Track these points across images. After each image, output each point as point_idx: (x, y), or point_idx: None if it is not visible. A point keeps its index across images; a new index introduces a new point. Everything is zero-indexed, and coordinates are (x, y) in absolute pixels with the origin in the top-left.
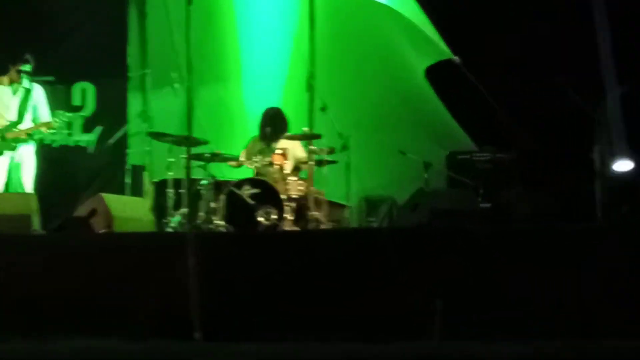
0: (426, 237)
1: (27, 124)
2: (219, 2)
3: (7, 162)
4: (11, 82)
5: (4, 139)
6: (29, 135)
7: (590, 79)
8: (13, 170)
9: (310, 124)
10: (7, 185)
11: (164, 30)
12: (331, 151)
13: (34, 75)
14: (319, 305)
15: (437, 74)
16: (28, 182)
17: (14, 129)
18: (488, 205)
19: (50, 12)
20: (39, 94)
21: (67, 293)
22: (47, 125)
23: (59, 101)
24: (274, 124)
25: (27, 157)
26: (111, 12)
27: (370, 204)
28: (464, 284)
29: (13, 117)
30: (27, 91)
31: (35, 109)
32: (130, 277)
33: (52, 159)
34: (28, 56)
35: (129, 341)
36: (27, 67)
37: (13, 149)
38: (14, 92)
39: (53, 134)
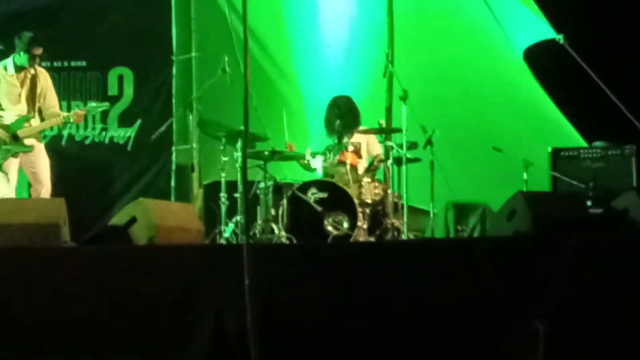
0: (526, 249)
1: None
2: None
3: (17, 164)
4: (16, 69)
5: (16, 138)
6: (43, 133)
7: None
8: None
9: (388, 116)
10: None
11: (215, 5)
12: (412, 147)
13: (61, 61)
14: (399, 330)
15: (538, 55)
16: (44, 183)
17: (24, 125)
18: (600, 211)
19: None
20: (46, 79)
21: (103, 315)
22: (57, 118)
23: (93, 90)
24: (343, 116)
25: (38, 156)
26: None
27: (459, 210)
28: (571, 303)
29: (23, 110)
30: (34, 78)
31: (43, 100)
32: (176, 297)
33: (83, 158)
34: (39, 37)
35: None
36: (39, 51)
37: (29, 149)
38: (22, 83)
39: (85, 128)
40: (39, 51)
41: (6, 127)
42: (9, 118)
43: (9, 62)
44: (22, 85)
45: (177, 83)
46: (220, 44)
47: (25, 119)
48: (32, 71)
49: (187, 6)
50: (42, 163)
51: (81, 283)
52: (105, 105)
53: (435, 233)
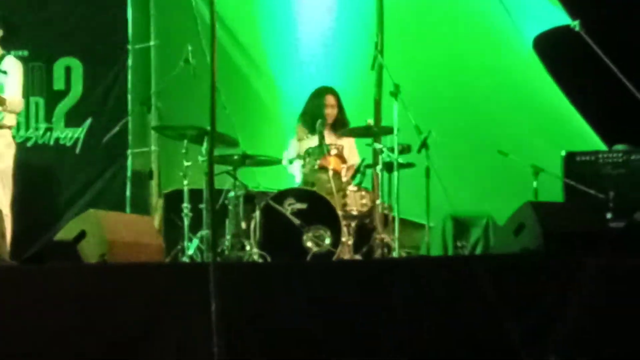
0: (536, 270)
1: None
2: None
3: None
4: None
5: None
6: None
7: None
8: None
9: (377, 114)
10: None
11: None
12: (405, 151)
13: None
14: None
15: (550, 45)
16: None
17: None
18: (622, 224)
19: None
20: (9, 64)
21: (48, 343)
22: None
23: (36, 84)
24: (328, 112)
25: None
26: None
27: (459, 224)
28: (588, 336)
29: None
30: None
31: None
32: (133, 323)
33: (25, 162)
34: None
35: None
36: None
37: None
38: None
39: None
40: None
41: None
42: None
43: None
44: None
45: (134, 76)
46: (183, 31)
47: None
48: None
49: None
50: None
51: (19, 309)
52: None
53: (432, 250)
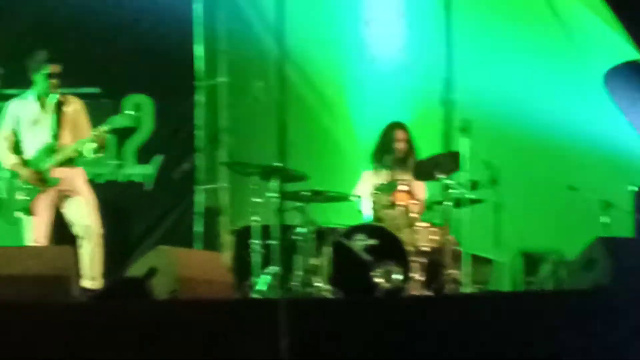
0: (607, 306)
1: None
2: None
3: (49, 201)
4: (38, 97)
5: (40, 175)
6: (71, 160)
7: None
8: (60, 208)
9: (446, 150)
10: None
11: (244, 21)
12: (475, 186)
13: (71, 87)
14: None
15: (620, 80)
16: (88, 214)
17: (48, 159)
18: None
19: (92, 6)
20: (75, 105)
21: None
22: (84, 144)
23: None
24: (399, 148)
25: (77, 185)
26: (172, 5)
27: (529, 260)
28: None
29: (46, 139)
30: (59, 104)
31: (74, 126)
32: (203, 359)
33: (96, 199)
34: (52, 53)
35: None
36: (56, 69)
37: (54, 182)
38: (43, 108)
39: (97, 163)
40: (56, 69)
41: (26, 164)
42: (30, 151)
43: (30, 92)
44: (44, 112)
45: (203, 112)
46: (253, 68)
47: (48, 149)
48: (57, 97)
49: (213, 24)
50: (80, 201)
51: (93, 344)
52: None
53: (501, 286)
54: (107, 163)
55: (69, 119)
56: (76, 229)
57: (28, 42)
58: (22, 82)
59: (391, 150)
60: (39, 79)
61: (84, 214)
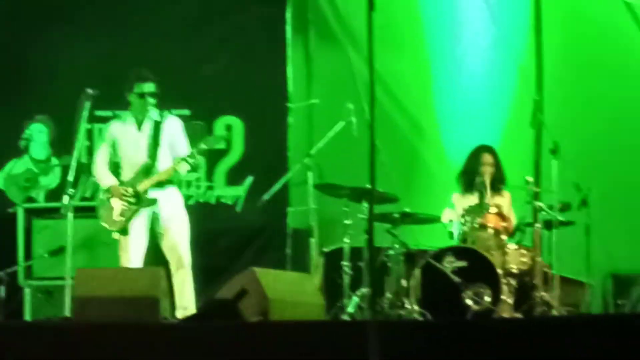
0: None
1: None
2: (412, 10)
3: (145, 222)
4: (136, 118)
5: (137, 196)
6: (168, 181)
7: None
8: (156, 230)
9: (537, 172)
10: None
11: (336, 46)
12: (565, 208)
13: (164, 109)
14: None
15: None
16: (182, 244)
17: (145, 180)
18: None
19: (184, 28)
20: (174, 125)
21: None
22: (181, 163)
23: (197, 142)
24: (487, 171)
25: (171, 211)
26: (264, 23)
27: (620, 282)
28: None
29: (142, 159)
30: (157, 125)
31: (170, 146)
32: None
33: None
34: (145, 72)
35: None
36: (150, 87)
37: (152, 203)
38: (139, 127)
39: (188, 185)
40: (150, 87)
41: (123, 184)
42: (128, 172)
43: (128, 113)
44: (141, 132)
45: (294, 134)
46: (343, 90)
47: (145, 169)
48: (154, 116)
49: (305, 46)
50: (175, 226)
51: None
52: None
53: (592, 308)
54: (197, 185)
55: (165, 137)
56: (169, 258)
57: (121, 65)
58: (117, 104)
59: (479, 174)
60: (134, 98)
61: (177, 244)
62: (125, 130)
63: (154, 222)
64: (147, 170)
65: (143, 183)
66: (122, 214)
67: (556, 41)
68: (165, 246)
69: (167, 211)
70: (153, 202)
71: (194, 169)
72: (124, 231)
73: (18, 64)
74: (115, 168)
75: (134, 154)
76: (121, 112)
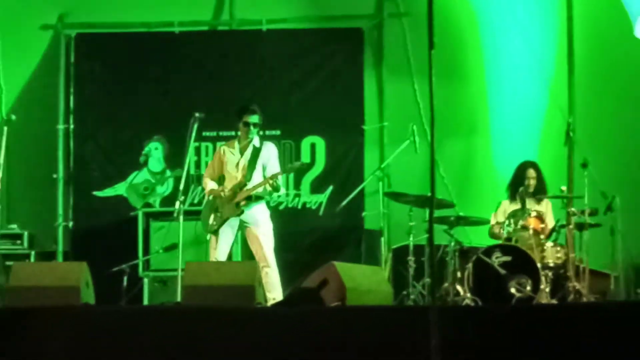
0: None
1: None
2: (466, 49)
3: (233, 228)
4: (240, 142)
5: (233, 205)
6: (258, 197)
7: None
8: (245, 235)
9: (569, 183)
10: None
11: (403, 77)
12: (593, 213)
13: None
14: None
15: None
16: (266, 247)
17: (238, 192)
18: None
19: (276, 63)
20: (269, 151)
21: None
22: (272, 180)
23: (286, 158)
24: (529, 183)
25: (259, 220)
26: (344, 58)
27: (639, 273)
28: None
29: (240, 177)
30: (256, 150)
31: (264, 168)
32: (367, 354)
33: (278, 223)
34: (254, 106)
35: None
36: (254, 119)
37: (240, 213)
38: (242, 152)
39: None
40: (254, 119)
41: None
42: (229, 186)
43: (235, 138)
44: (242, 154)
45: (368, 151)
46: (409, 114)
47: (239, 186)
48: (255, 143)
49: (378, 78)
50: (262, 234)
51: (273, 343)
52: (302, 164)
53: (617, 296)
54: (287, 192)
55: (261, 161)
56: (257, 259)
57: (225, 93)
58: (220, 126)
59: (523, 185)
60: (241, 126)
61: (263, 247)
62: (230, 152)
63: (244, 228)
64: (241, 186)
65: (238, 195)
66: (214, 220)
67: (586, 66)
68: (254, 249)
69: (256, 220)
70: (242, 211)
71: (275, 189)
72: (215, 233)
73: (139, 96)
74: (219, 181)
75: (234, 172)
76: (225, 132)
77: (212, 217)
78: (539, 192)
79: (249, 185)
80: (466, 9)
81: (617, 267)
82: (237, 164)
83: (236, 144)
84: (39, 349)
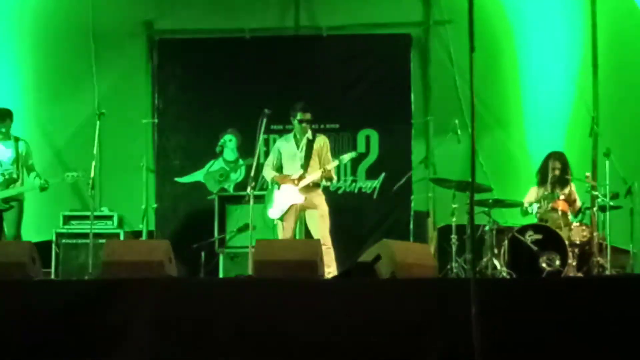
0: None
1: (312, 175)
2: (502, 52)
3: (296, 213)
4: (295, 136)
5: (297, 191)
6: (315, 184)
7: None
8: (305, 219)
9: (593, 170)
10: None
11: (447, 76)
12: (615, 197)
13: (320, 124)
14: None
15: None
16: (324, 228)
17: (296, 180)
18: None
19: (335, 65)
20: (322, 143)
21: (348, 341)
22: (327, 174)
23: (344, 149)
24: (557, 170)
25: (317, 205)
26: (394, 60)
27: None
28: None
29: (298, 167)
30: (310, 142)
31: (319, 158)
32: (414, 322)
33: (337, 205)
34: (302, 104)
35: None
36: (307, 116)
37: (301, 199)
38: (298, 145)
39: (338, 180)
40: (307, 116)
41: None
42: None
43: (292, 133)
44: (298, 148)
45: (415, 142)
46: (452, 109)
47: (298, 176)
48: (309, 136)
49: (424, 76)
50: (319, 217)
51: (335, 311)
52: (353, 153)
53: (635, 270)
54: (345, 179)
55: (316, 153)
56: (315, 237)
57: (289, 92)
58: (285, 121)
59: (551, 172)
60: (295, 123)
61: (319, 226)
62: (287, 146)
63: (304, 212)
64: (299, 177)
65: (299, 183)
66: (280, 207)
67: (609, 65)
68: (313, 230)
69: (314, 204)
70: (303, 198)
71: (329, 179)
72: (281, 218)
73: (215, 94)
74: (278, 171)
75: (292, 164)
76: (290, 126)
77: (277, 203)
78: (564, 180)
79: (307, 175)
80: (502, 17)
81: (636, 244)
82: (295, 157)
83: (292, 137)
84: (129, 316)
